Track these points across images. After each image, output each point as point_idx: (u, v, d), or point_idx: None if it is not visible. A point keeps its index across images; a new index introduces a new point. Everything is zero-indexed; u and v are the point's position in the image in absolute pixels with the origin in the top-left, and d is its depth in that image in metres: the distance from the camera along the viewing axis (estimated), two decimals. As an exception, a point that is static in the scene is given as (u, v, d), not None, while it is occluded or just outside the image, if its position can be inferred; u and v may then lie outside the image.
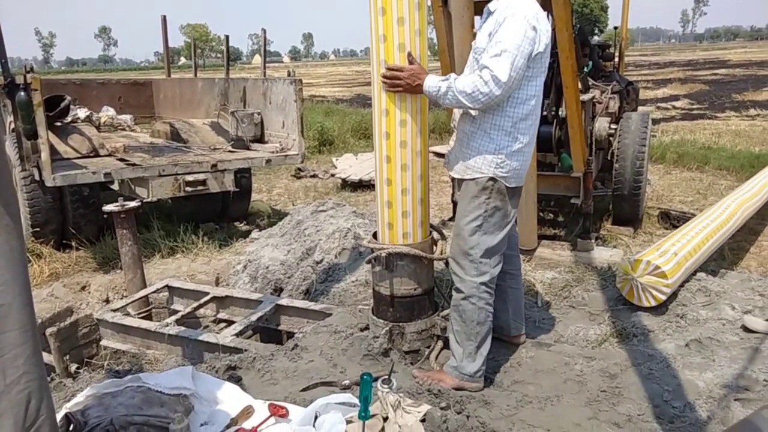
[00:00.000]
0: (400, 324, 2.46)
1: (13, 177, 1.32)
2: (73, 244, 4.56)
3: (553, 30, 3.94)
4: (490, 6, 2.20)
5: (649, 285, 2.90)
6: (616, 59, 6.54)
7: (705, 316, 2.81)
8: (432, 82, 2.15)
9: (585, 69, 5.17)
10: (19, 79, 3.91)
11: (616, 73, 6.19)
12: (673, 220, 5.06)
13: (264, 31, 6.27)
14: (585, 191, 4.17)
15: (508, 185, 2.25)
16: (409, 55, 2.20)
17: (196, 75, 7.04)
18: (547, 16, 4.76)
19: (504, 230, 2.30)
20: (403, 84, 2.18)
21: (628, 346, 2.65)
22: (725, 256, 4.20)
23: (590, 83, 5.14)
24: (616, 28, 6.92)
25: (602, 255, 3.93)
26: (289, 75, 5.09)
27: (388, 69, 2.20)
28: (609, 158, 5.15)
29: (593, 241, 4.10)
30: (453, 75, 2.16)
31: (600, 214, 5.03)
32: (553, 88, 4.45)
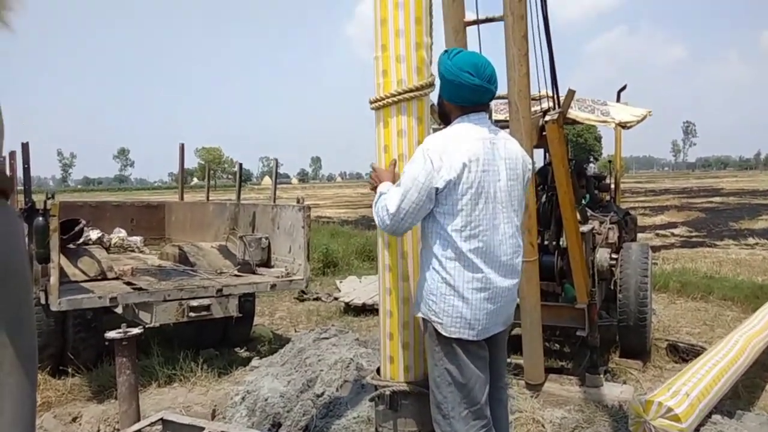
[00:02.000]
0: (405, 469, 2.34)
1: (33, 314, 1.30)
2: (70, 370, 4.46)
3: (551, 165, 4.16)
4: None
5: (663, 429, 2.78)
6: (612, 186, 6.79)
7: (725, 463, 2.67)
8: (380, 189, 2.21)
9: (583, 201, 5.37)
10: (39, 204, 4.08)
11: (613, 203, 6.40)
12: (681, 353, 4.96)
13: (276, 160, 6.61)
14: (590, 323, 4.14)
15: (443, 333, 2.09)
16: (394, 161, 2.30)
17: (208, 199, 7.31)
18: (544, 154, 5.09)
19: (468, 388, 2.10)
20: (372, 184, 2.29)
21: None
22: (740, 395, 4.06)
23: (589, 214, 5.30)
24: (610, 161, 7.27)
25: (612, 392, 3.81)
26: (298, 201, 5.28)
27: (372, 169, 2.34)
28: (612, 288, 5.17)
29: (602, 376, 3.99)
30: (386, 191, 2.18)
31: (607, 346, 4.93)
32: (553, 220, 4.59)
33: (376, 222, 2.17)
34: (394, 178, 2.22)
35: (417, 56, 2.30)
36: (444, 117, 2.29)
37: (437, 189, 2.02)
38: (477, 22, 3.15)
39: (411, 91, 2.28)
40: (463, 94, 2.11)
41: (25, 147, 4.26)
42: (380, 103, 2.32)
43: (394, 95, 2.28)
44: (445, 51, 2.20)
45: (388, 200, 2.09)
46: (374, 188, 2.27)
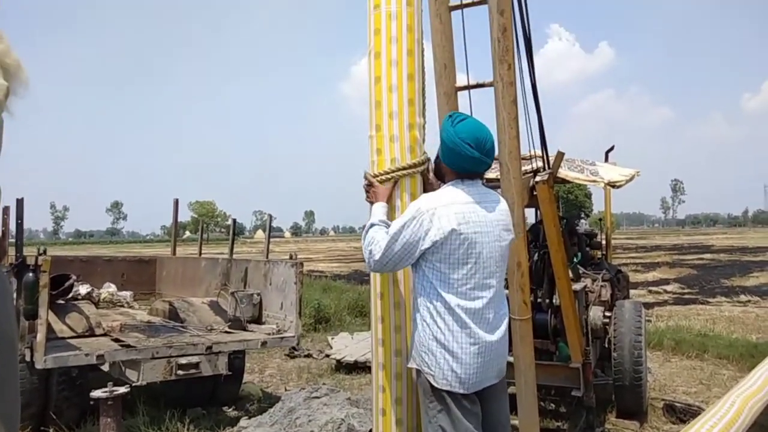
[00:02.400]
0: None
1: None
2: (51, 430, 4.31)
3: (541, 224, 4.21)
4: None
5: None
6: (603, 243, 6.84)
7: None
8: (372, 211, 2.35)
9: (575, 259, 5.41)
10: (30, 259, 4.06)
11: (605, 261, 6.44)
12: (679, 414, 4.88)
13: (270, 216, 6.65)
14: (585, 383, 4.09)
15: (435, 384, 2.14)
16: (395, 180, 2.41)
17: (200, 254, 7.29)
18: (536, 212, 5.17)
19: None
20: (367, 197, 2.44)
21: None
22: (740, 458, 3.97)
23: (581, 272, 5.32)
24: (600, 219, 7.36)
25: (609, 454, 3.72)
26: (291, 257, 5.28)
27: (366, 178, 2.44)
28: (606, 346, 5.13)
29: (599, 437, 3.91)
30: (379, 224, 2.29)
31: (603, 406, 4.85)
32: (545, 278, 4.61)
33: (364, 255, 2.26)
34: (390, 199, 2.39)
35: (410, 136, 2.44)
36: (439, 175, 2.41)
37: (424, 248, 2.14)
38: (468, 87, 3.27)
39: (404, 168, 2.42)
40: (460, 163, 2.23)
41: (19, 203, 4.28)
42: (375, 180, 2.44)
43: (387, 173, 2.40)
44: (450, 116, 2.32)
45: (375, 244, 2.19)
46: (367, 195, 2.44)
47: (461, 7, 3.38)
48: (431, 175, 2.55)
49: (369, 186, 2.43)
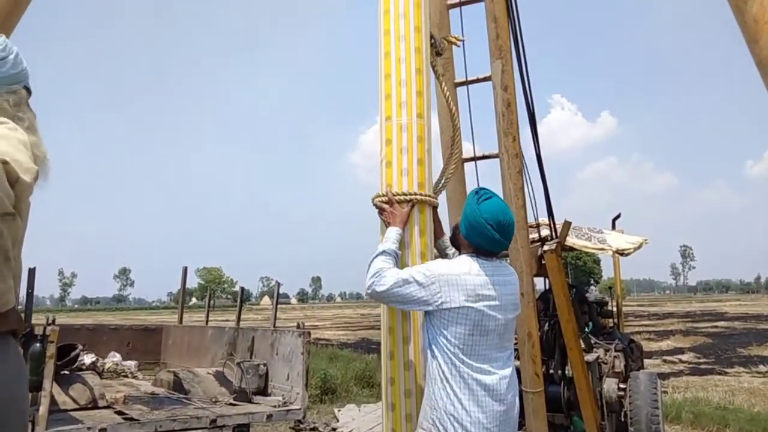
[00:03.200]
0: None
1: None
2: None
3: (551, 292, 4.19)
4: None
5: None
6: (614, 311, 6.74)
7: None
8: (385, 236, 2.35)
9: (586, 328, 5.32)
10: (38, 329, 4.05)
11: (617, 330, 6.33)
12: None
13: (278, 283, 6.65)
14: (603, 460, 3.93)
15: None
16: (412, 203, 2.41)
17: (207, 323, 7.23)
18: (544, 281, 5.14)
19: None
20: (383, 218, 2.43)
21: None
22: None
23: (593, 342, 5.23)
24: (610, 287, 7.30)
25: None
26: (298, 326, 5.22)
27: (384, 196, 2.43)
28: (623, 420, 4.96)
29: None
30: (390, 253, 2.29)
31: (623, 485, 4.62)
32: (557, 349, 4.53)
33: (366, 276, 2.25)
34: (407, 223, 2.38)
35: (419, 171, 2.46)
36: (455, 243, 2.49)
37: (429, 310, 2.20)
38: (475, 158, 3.36)
39: (422, 194, 2.44)
40: (480, 241, 2.29)
41: (31, 272, 4.32)
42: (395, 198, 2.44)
43: (407, 194, 2.42)
44: (476, 192, 2.39)
45: (380, 277, 2.19)
46: (381, 213, 2.44)
47: (466, 83, 3.53)
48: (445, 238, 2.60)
49: (388, 204, 2.44)
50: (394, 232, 2.36)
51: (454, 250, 2.61)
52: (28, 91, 1.59)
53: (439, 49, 2.72)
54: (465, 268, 2.24)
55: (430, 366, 2.24)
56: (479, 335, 2.18)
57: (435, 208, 2.57)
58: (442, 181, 2.75)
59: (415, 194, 2.42)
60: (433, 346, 2.22)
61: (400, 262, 2.38)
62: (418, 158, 2.46)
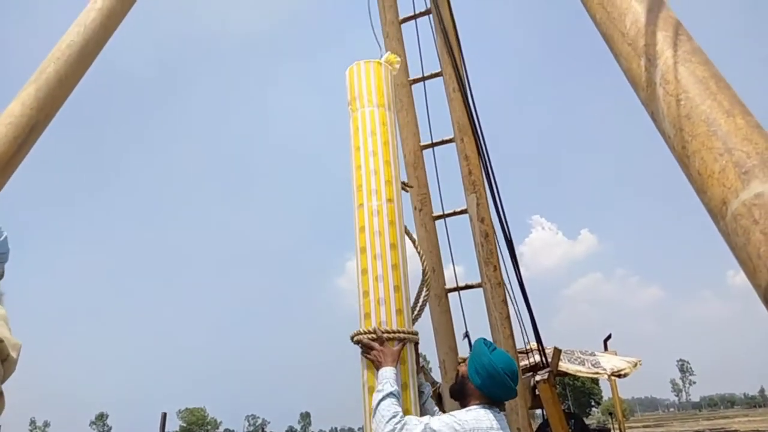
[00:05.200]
0: None
1: None
2: None
3: (548, 425, 3.99)
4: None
5: None
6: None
7: None
8: (381, 376, 2.29)
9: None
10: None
11: (624, 461, 5.97)
12: None
13: (263, 425, 6.28)
14: None
15: None
16: (403, 343, 2.37)
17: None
18: (542, 412, 4.93)
19: None
20: (371, 357, 2.36)
21: None
22: None
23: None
24: (611, 413, 7.01)
25: None
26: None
27: (370, 336, 2.36)
28: None
29: None
30: (394, 395, 2.22)
31: None
32: (562, 487, 4.22)
33: (379, 420, 2.15)
34: (397, 360, 2.33)
35: (396, 298, 2.43)
36: (459, 394, 2.42)
37: None
38: (458, 288, 3.38)
39: (409, 333, 2.42)
40: (495, 390, 2.32)
41: (-3, 429, 4.05)
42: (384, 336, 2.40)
43: (396, 332, 2.38)
44: (483, 341, 2.43)
45: (406, 423, 2.13)
46: (369, 354, 2.36)
47: (444, 216, 3.65)
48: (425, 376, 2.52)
49: (378, 341, 2.38)
50: (391, 372, 2.32)
51: (428, 388, 2.60)
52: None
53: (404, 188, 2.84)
54: (487, 422, 2.24)
55: None
56: None
57: (416, 344, 2.55)
58: (417, 308, 2.73)
59: (405, 332, 2.40)
60: None
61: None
62: (394, 285, 2.46)
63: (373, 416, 2.19)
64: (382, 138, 2.69)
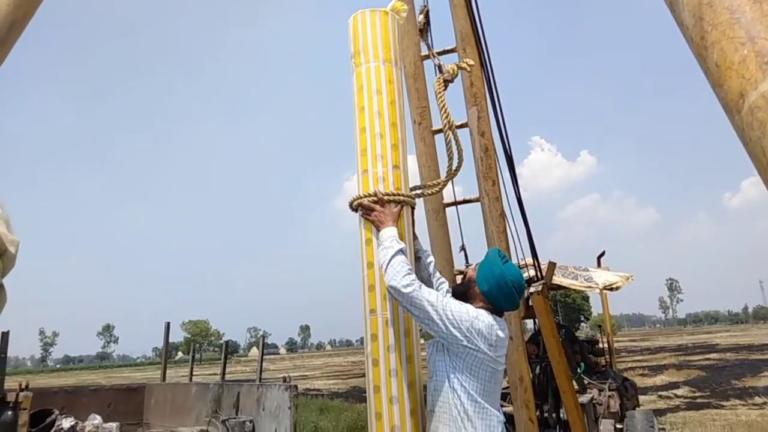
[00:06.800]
0: None
1: None
2: None
3: (540, 334, 4.13)
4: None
5: None
6: (606, 348, 6.67)
7: None
8: (385, 235, 2.33)
9: (578, 369, 5.25)
10: (10, 396, 3.88)
11: (610, 368, 6.25)
12: None
13: (263, 336, 6.52)
14: (603, 508, 3.79)
15: None
16: (400, 206, 2.40)
17: (191, 379, 7.02)
18: (534, 323, 5.09)
19: None
20: (372, 218, 2.39)
21: None
22: None
23: (586, 382, 5.14)
24: (600, 325, 7.25)
25: None
26: (284, 380, 5.08)
27: (369, 198, 2.39)
28: (622, 463, 4.83)
29: None
30: (404, 252, 2.28)
31: None
32: (550, 392, 4.44)
33: (393, 272, 2.21)
34: (396, 221, 2.37)
35: (394, 176, 2.46)
36: (461, 296, 2.43)
37: (459, 340, 2.19)
38: (456, 203, 3.36)
39: (408, 196, 2.44)
40: (500, 300, 2.35)
41: (4, 336, 4.18)
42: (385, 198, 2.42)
43: (395, 194, 2.40)
44: (498, 253, 2.43)
45: (422, 286, 2.19)
46: (368, 216, 2.40)
47: (443, 130, 3.56)
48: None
49: (378, 203, 2.41)
50: (394, 231, 2.36)
51: (431, 257, 2.65)
52: None
53: (446, 76, 2.72)
54: (489, 319, 2.29)
55: (450, 404, 2.24)
56: (494, 383, 2.28)
57: (413, 208, 2.58)
58: (423, 191, 2.74)
59: (403, 195, 2.43)
60: (456, 386, 2.24)
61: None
62: (393, 165, 2.45)
63: (386, 270, 2.23)
64: (389, 97, 2.52)
